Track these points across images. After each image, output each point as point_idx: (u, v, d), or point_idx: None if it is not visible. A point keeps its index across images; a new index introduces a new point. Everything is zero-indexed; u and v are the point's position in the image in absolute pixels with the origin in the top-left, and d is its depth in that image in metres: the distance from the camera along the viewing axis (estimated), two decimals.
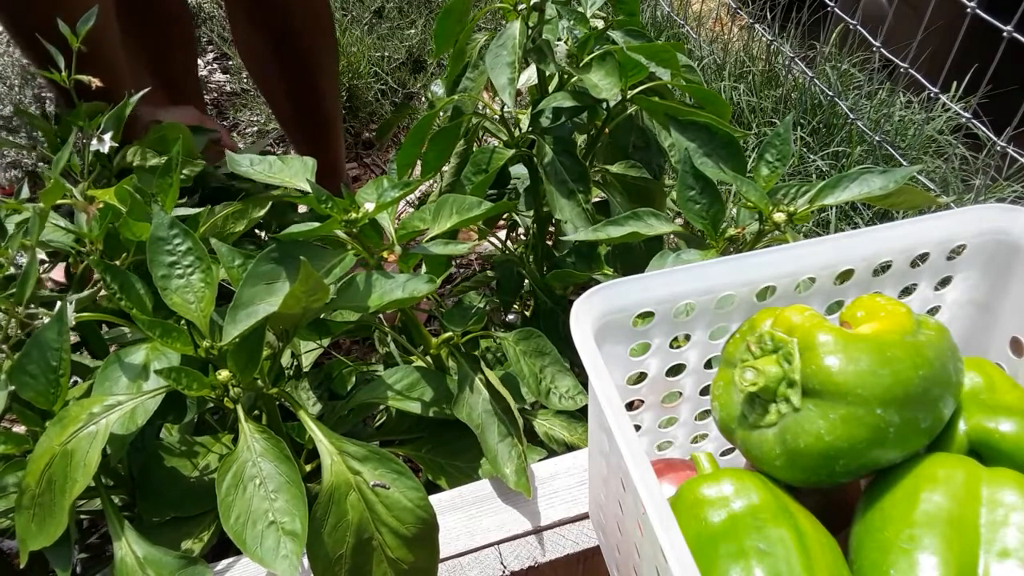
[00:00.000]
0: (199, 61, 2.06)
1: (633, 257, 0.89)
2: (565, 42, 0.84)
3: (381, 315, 1.16)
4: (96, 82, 0.80)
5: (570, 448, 0.77)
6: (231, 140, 1.03)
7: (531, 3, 0.79)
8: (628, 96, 0.83)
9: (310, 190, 0.64)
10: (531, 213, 0.98)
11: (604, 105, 0.87)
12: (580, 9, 0.84)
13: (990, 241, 0.57)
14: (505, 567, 0.63)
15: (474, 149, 0.87)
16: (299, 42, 1.19)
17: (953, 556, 0.40)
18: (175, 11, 1.21)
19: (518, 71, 0.76)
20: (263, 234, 0.96)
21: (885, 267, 0.57)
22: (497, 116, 0.88)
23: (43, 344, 0.59)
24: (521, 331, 0.75)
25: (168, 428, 0.73)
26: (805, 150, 1.62)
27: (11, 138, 1.43)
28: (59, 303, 0.61)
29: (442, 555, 0.63)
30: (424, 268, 0.87)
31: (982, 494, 0.43)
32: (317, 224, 0.63)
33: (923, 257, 0.57)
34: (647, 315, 0.53)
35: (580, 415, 0.80)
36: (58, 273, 0.86)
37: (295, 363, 0.90)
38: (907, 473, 0.46)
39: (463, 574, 0.63)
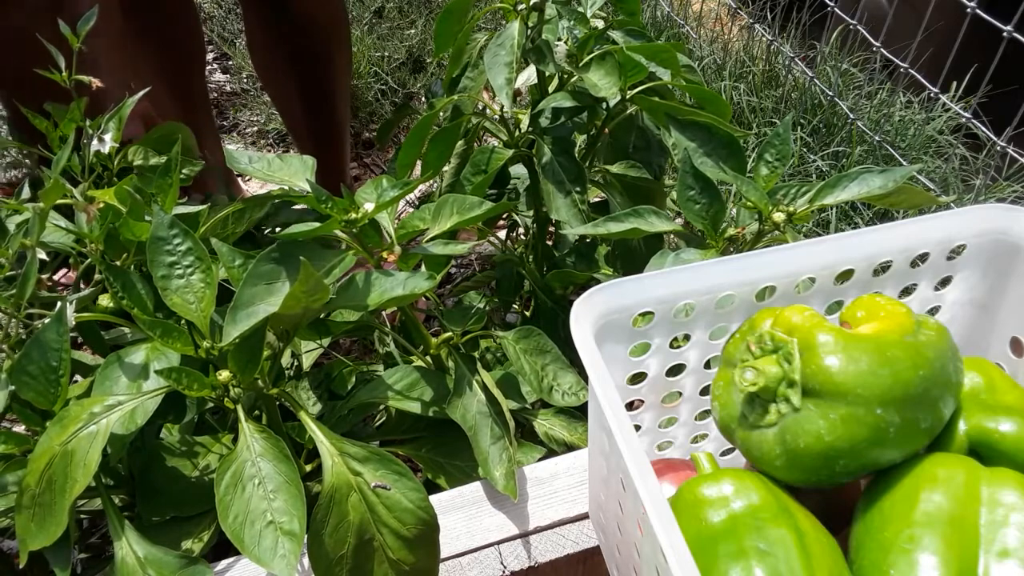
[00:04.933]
0: None
1: (633, 257, 0.89)
2: (565, 42, 0.84)
3: (381, 315, 1.16)
4: (96, 82, 0.80)
5: (570, 448, 0.77)
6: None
7: (531, 3, 0.79)
8: (628, 96, 0.83)
9: (310, 189, 0.64)
10: (531, 213, 0.98)
11: (604, 105, 0.87)
12: (580, 9, 0.84)
13: (990, 241, 0.57)
14: (505, 567, 0.63)
15: (474, 149, 0.87)
16: (317, 46, 1.20)
17: (953, 556, 0.40)
18: (179, 11, 1.21)
19: (516, 71, 0.76)
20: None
21: (885, 267, 0.57)
22: (497, 116, 0.88)
23: (43, 344, 0.59)
24: (521, 330, 0.75)
25: (168, 428, 0.72)
26: (805, 150, 1.62)
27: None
28: (59, 303, 0.61)
29: (442, 555, 0.63)
30: (424, 268, 0.87)
31: (982, 494, 0.43)
32: (317, 224, 0.63)
33: (923, 257, 0.57)
34: (647, 315, 0.53)
35: (580, 415, 0.80)
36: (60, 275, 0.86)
37: (295, 363, 0.90)
38: (907, 473, 0.46)
39: (463, 574, 0.63)
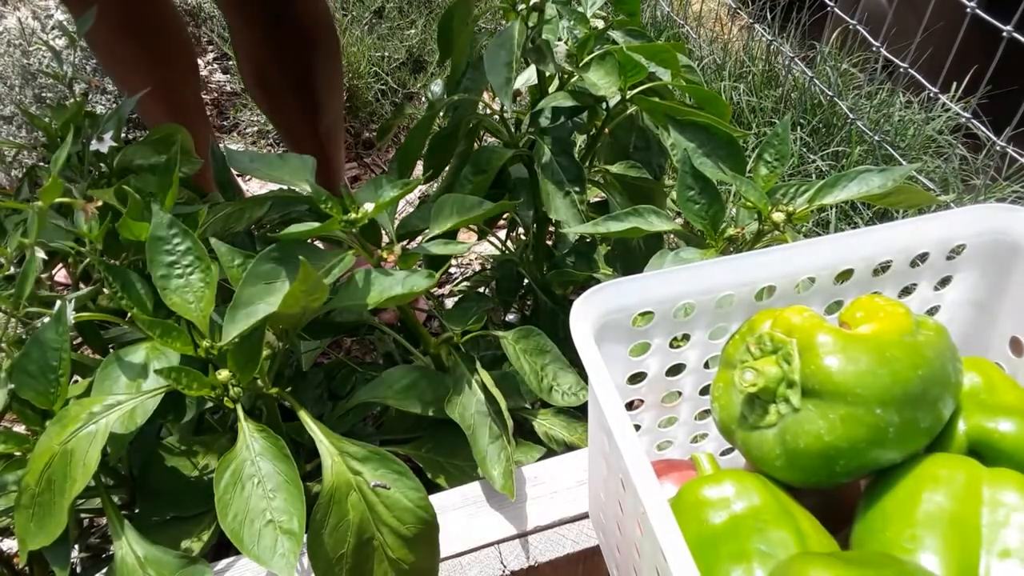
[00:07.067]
0: (199, 61, 2.06)
1: (633, 258, 0.89)
2: (565, 42, 0.84)
3: (381, 316, 1.16)
4: (96, 82, 0.80)
5: (570, 448, 0.77)
6: None
7: (531, 3, 0.79)
8: (628, 96, 0.83)
9: (309, 189, 0.64)
10: (531, 213, 0.98)
11: (604, 105, 0.87)
12: (580, 9, 0.84)
13: (990, 241, 0.57)
14: (505, 567, 0.63)
15: (474, 149, 0.87)
16: (314, 48, 1.19)
17: (955, 556, 0.40)
18: (166, 25, 1.20)
19: (516, 71, 0.75)
20: None
21: (885, 267, 0.57)
22: (497, 116, 0.88)
23: (43, 344, 0.59)
24: (520, 329, 0.75)
25: (168, 428, 0.72)
26: (805, 150, 1.62)
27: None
28: (59, 302, 0.61)
29: (442, 555, 0.63)
30: (423, 267, 0.87)
31: (983, 494, 0.43)
32: (317, 224, 0.63)
33: (923, 257, 0.57)
34: (647, 315, 0.53)
35: (580, 415, 0.80)
36: (60, 275, 0.86)
37: (295, 363, 0.90)
38: (907, 473, 0.46)
39: (463, 574, 0.63)
